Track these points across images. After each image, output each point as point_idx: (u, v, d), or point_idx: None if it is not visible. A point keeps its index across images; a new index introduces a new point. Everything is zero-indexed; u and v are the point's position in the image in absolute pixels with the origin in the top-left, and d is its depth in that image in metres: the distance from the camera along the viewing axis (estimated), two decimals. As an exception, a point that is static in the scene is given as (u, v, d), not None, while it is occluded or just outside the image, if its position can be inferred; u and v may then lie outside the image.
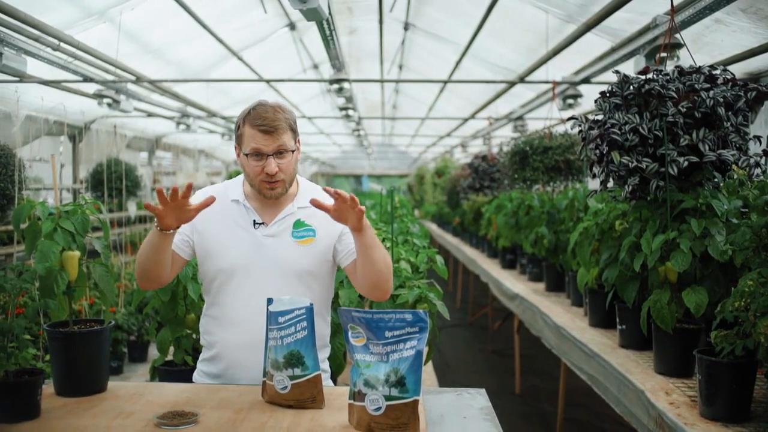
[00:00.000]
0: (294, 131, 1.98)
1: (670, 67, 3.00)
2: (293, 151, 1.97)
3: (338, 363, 2.40)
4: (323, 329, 2.06)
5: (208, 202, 1.80)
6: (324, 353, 2.08)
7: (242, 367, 1.97)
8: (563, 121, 5.98)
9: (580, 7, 4.66)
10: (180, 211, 1.78)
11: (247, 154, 1.93)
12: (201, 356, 2.10)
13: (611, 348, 2.89)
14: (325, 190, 1.82)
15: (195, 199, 2.05)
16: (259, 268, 1.95)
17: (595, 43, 4.90)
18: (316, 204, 1.80)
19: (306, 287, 1.97)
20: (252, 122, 1.91)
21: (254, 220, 2.00)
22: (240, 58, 7.09)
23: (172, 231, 1.82)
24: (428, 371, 3.53)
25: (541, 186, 5.41)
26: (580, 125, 2.74)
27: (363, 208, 1.76)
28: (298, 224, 2.00)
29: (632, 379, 2.44)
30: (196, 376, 2.10)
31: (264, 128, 1.90)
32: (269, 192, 1.96)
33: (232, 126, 9.98)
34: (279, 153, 1.93)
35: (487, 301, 7.23)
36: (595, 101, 2.70)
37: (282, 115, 1.94)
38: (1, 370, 1.65)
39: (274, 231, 1.98)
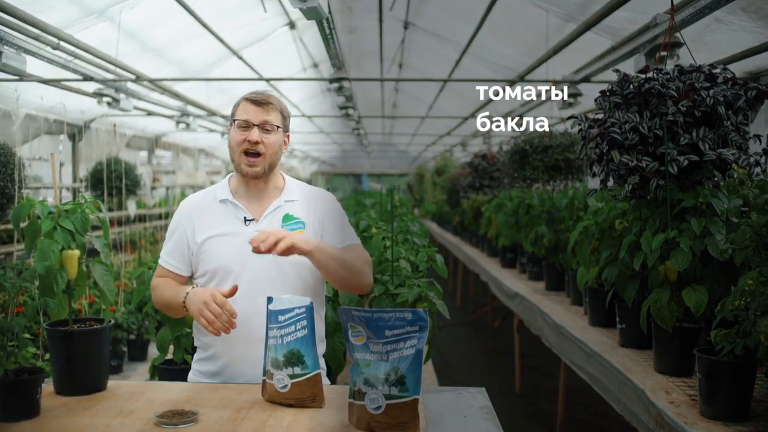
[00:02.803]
0: (284, 117, 2.05)
1: (670, 66, 3.00)
2: (279, 128, 2.01)
3: (338, 362, 2.40)
4: (318, 324, 2.06)
5: (233, 292, 1.86)
6: (320, 348, 2.08)
7: (242, 363, 1.97)
8: (563, 120, 5.97)
9: (581, 5, 4.66)
10: None
11: (234, 121, 2.00)
12: (196, 356, 2.10)
13: (611, 347, 2.89)
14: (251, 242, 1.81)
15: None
16: (255, 264, 1.95)
17: (595, 42, 4.89)
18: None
19: (300, 279, 1.98)
20: (246, 97, 2.02)
21: (245, 217, 2.01)
22: (240, 57, 7.09)
23: None
24: (428, 370, 3.54)
25: (541, 185, 5.41)
26: (580, 124, 2.74)
27: (285, 243, 1.78)
28: (287, 218, 2.03)
29: (632, 378, 2.44)
30: (191, 376, 2.09)
31: (255, 99, 2.00)
32: (248, 168, 1.99)
33: (232, 125, 9.96)
34: (265, 129, 1.98)
35: (487, 300, 7.22)
36: (595, 100, 2.70)
37: (275, 99, 2.04)
38: (1, 369, 1.65)
39: (265, 226, 2.00)
